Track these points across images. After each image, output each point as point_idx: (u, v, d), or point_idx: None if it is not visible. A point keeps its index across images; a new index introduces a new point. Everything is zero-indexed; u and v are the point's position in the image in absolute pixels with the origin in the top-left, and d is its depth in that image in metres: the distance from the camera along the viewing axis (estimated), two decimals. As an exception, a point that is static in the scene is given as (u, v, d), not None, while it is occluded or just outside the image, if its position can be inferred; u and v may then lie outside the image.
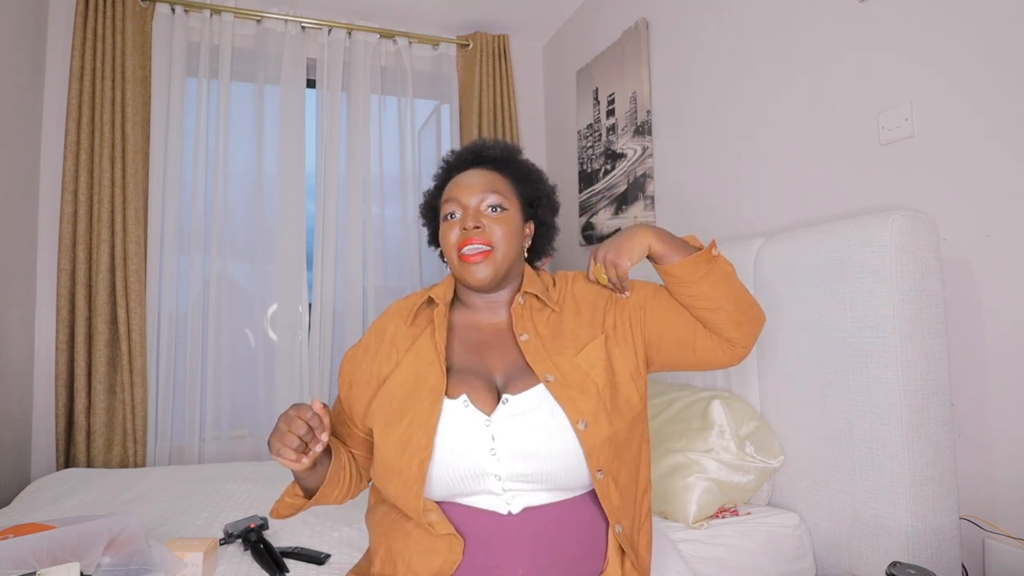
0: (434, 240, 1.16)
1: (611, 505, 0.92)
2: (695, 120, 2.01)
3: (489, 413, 0.92)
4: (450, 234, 1.02)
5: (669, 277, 1.01)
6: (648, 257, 1.03)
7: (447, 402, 0.93)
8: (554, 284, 1.10)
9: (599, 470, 0.91)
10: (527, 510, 0.91)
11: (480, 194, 1.02)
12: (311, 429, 0.87)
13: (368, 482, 1.10)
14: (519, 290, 1.07)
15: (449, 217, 1.04)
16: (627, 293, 1.04)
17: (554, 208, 1.16)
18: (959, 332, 1.23)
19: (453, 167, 1.12)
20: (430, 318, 1.05)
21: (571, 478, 0.92)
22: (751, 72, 1.77)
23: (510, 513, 0.90)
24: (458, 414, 0.92)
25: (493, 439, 0.90)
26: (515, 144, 1.16)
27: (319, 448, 0.88)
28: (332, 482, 0.98)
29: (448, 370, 0.98)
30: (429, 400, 0.94)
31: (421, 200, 1.18)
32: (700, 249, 1.01)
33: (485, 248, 0.99)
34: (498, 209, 1.02)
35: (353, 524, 1.37)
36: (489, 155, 1.10)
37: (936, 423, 1.15)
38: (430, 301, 1.07)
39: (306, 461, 0.87)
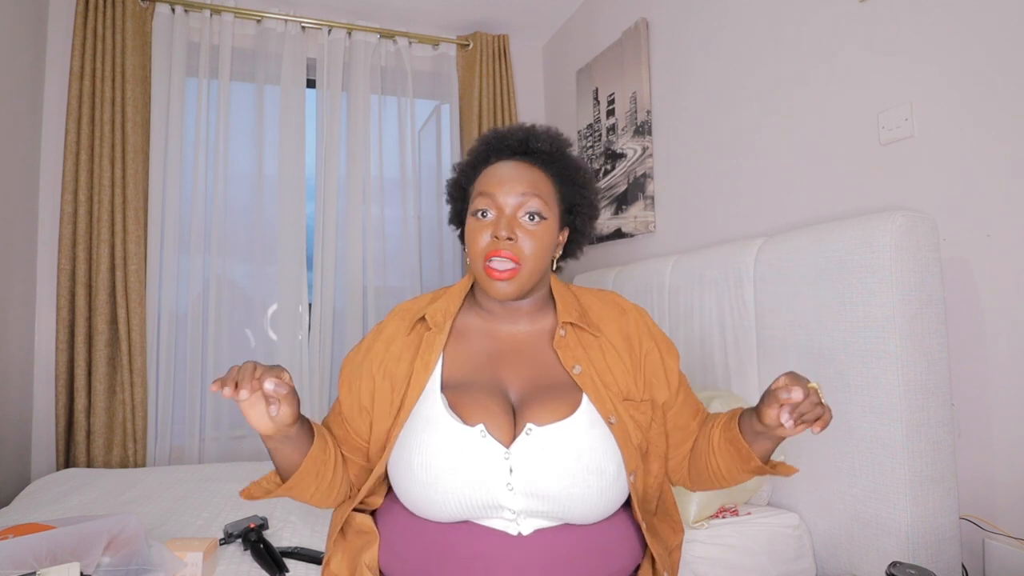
0: (455, 220, 1.06)
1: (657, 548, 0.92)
2: (695, 120, 2.01)
3: (508, 443, 0.84)
4: (479, 237, 0.91)
5: (739, 445, 0.90)
6: (758, 417, 0.85)
7: (462, 428, 0.85)
8: (577, 300, 1.02)
9: (644, 519, 0.91)
10: (538, 531, 0.85)
11: (519, 196, 0.91)
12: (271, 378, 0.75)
13: (351, 494, 0.98)
14: (542, 298, 1.00)
15: (480, 215, 0.92)
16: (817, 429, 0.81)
17: (595, 215, 1.03)
18: (959, 332, 1.23)
19: (494, 149, 0.98)
20: (423, 334, 0.96)
21: (589, 516, 0.86)
22: (751, 72, 1.76)
23: (520, 534, 0.84)
24: (474, 443, 0.84)
25: (511, 472, 0.83)
26: (565, 136, 1.01)
27: (280, 390, 0.75)
28: (310, 470, 0.86)
29: (453, 384, 0.92)
30: (428, 427, 0.88)
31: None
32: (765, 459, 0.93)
33: (513, 266, 0.89)
34: (536, 218, 0.91)
35: (353, 524, 1.36)
36: (536, 147, 0.97)
37: (936, 423, 1.15)
38: (423, 320, 0.97)
39: (273, 411, 0.75)
